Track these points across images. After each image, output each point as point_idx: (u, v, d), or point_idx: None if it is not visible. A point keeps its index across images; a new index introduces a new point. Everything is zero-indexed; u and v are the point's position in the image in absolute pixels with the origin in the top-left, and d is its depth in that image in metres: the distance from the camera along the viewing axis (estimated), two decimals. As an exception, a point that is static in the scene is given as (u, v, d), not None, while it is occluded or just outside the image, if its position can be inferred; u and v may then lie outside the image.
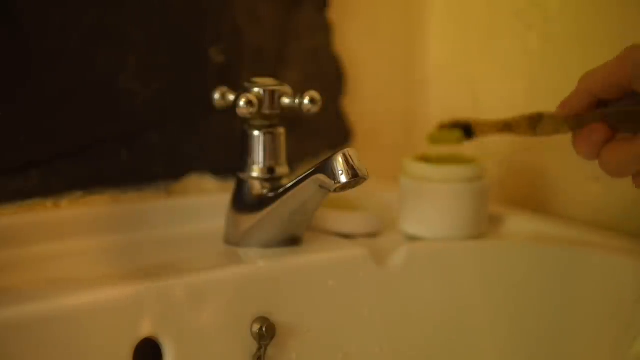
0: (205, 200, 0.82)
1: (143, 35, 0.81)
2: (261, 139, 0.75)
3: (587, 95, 0.65)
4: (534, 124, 0.69)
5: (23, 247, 0.73)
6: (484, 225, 0.81)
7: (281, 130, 0.75)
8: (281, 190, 0.72)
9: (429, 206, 0.79)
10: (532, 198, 0.91)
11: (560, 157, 0.89)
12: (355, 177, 0.66)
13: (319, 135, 0.92)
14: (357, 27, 0.96)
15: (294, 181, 0.70)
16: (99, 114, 0.79)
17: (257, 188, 0.75)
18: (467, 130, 0.74)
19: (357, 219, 0.81)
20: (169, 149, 0.83)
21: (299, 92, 0.74)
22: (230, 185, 0.77)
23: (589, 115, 0.65)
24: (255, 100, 0.73)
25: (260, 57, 0.88)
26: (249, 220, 0.75)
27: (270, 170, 0.75)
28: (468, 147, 0.96)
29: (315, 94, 0.74)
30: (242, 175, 0.75)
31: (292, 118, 0.76)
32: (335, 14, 0.93)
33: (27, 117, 0.76)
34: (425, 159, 0.82)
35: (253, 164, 0.75)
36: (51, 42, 0.76)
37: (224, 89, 0.76)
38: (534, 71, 0.91)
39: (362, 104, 0.97)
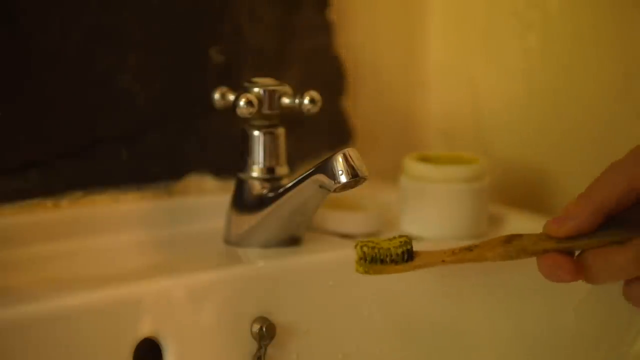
0: (205, 200, 0.82)
1: (143, 35, 0.81)
2: (261, 139, 0.75)
3: (598, 213, 0.57)
4: (509, 240, 0.59)
5: (23, 247, 0.73)
6: (484, 225, 0.81)
7: (281, 130, 0.75)
8: (281, 190, 0.72)
9: (429, 206, 0.79)
10: (532, 198, 0.91)
11: (560, 157, 0.89)
12: (355, 177, 0.66)
13: (319, 135, 0.92)
14: (357, 27, 0.96)
15: (294, 181, 0.70)
16: (99, 114, 0.79)
17: (257, 188, 0.75)
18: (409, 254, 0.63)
19: (357, 219, 0.81)
20: (169, 149, 0.83)
21: (299, 92, 0.74)
22: (230, 185, 0.77)
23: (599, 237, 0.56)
24: (255, 100, 0.73)
25: (260, 57, 0.88)
26: (249, 220, 0.75)
27: (270, 170, 0.75)
28: (468, 148, 0.96)
29: (315, 94, 0.74)
30: (242, 175, 0.75)
31: (292, 118, 0.76)
32: (336, 14, 0.93)
33: (27, 117, 0.76)
34: (425, 159, 0.82)
35: (253, 164, 0.75)
36: (51, 42, 0.76)
37: (224, 89, 0.76)
38: (533, 71, 0.91)
39: (362, 104, 0.97)
